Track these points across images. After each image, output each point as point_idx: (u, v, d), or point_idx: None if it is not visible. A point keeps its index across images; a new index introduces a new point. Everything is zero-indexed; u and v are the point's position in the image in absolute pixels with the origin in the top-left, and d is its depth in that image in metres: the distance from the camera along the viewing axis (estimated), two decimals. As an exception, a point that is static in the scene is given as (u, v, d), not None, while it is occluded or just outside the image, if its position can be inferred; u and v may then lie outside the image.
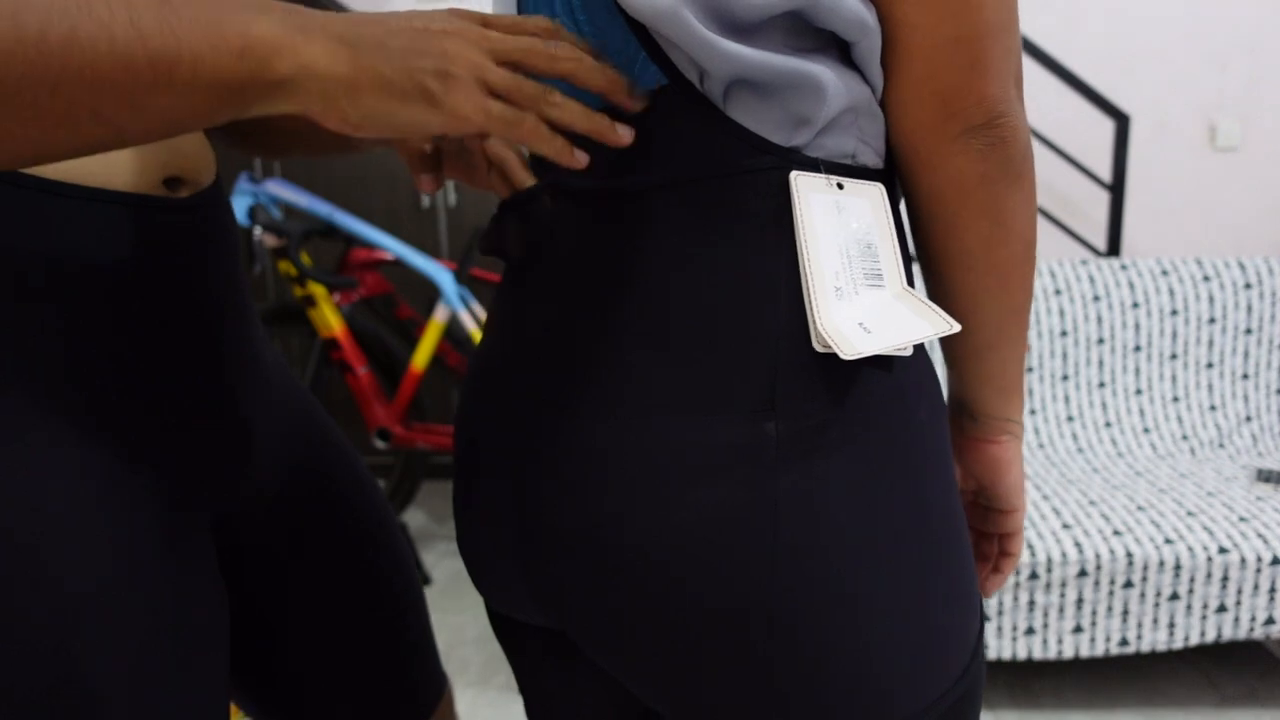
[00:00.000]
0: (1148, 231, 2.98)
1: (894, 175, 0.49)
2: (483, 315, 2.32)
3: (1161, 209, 2.96)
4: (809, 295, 0.43)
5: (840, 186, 0.45)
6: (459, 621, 2.16)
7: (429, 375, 2.41)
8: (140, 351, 0.52)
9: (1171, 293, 2.24)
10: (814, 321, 0.43)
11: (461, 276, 2.28)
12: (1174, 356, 2.23)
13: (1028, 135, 0.46)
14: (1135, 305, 2.24)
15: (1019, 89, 0.45)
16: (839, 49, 0.45)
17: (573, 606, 0.48)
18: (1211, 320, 2.23)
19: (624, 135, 0.44)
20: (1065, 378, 2.24)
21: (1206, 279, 2.23)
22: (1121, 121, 2.67)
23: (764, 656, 0.44)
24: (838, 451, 0.43)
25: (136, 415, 0.52)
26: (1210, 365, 2.23)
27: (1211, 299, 2.22)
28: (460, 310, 2.26)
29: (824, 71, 0.43)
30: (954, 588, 0.47)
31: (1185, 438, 2.18)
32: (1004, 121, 0.44)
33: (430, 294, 3.02)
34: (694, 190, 0.44)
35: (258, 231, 2.09)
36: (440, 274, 2.27)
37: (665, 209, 0.45)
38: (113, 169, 0.50)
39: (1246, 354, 2.23)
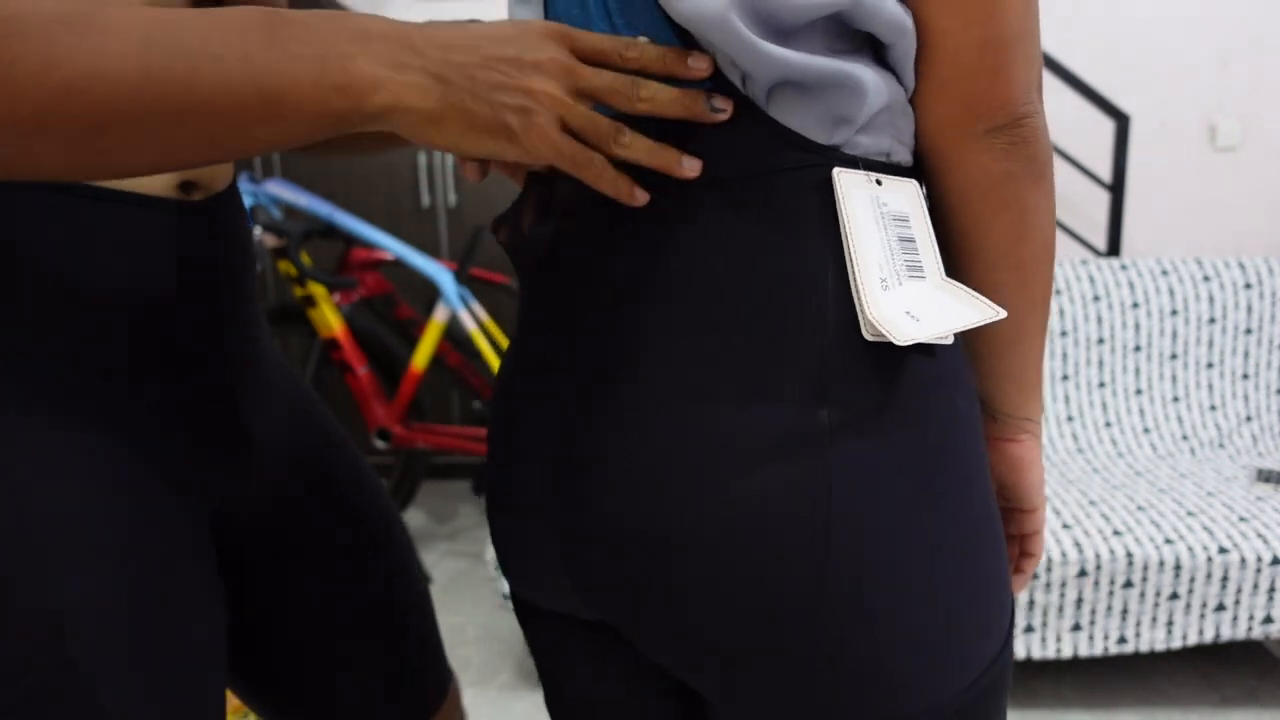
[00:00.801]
0: (1148, 231, 2.98)
1: (923, 173, 0.51)
2: (483, 315, 2.33)
3: (1161, 209, 2.96)
4: (857, 287, 0.45)
5: (879, 183, 0.47)
6: (459, 621, 2.16)
7: (429, 375, 2.41)
8: (147, 350, 0.52)
9: (1171, 293, 2.24)
10: (863, 311, 0.45)
11: (461, 276, 2.28)
12: (1174, 356, 2.23)
13: (1048, 137, 0.48)
14: (1135, 305, 2.24)
15: (1040, 93, 0.48)
16: (874, 50, 0.47)
17: (620, 596, 0.49)
18: (1211, 320, 2.23)
19: (690, 170, 0.45)
20: (1065, 378, 2.24)
21: (1206, 279, 2.23)
22: (1122, 121, 2.67)
23: (819, 636, 0.45)
24: (887, 437, 0.45)
25: (140, 412, 0.53)
26: (1210, 365, 2.23)
27: (1211, 299, 2.22)
28: (460, 310, 2.26)
29: (864, 72, 0.45)
30: (993, 571, 0.49)
31: (1185, 438, 2.18)
32: (1027, 122, 0.46)
33: (430, 294, 3.02)
34: (738, 188, 0.46)
35: (258, 231, 2.10)
36: (440, 274, 2.27)
37: (710, 206, 0.46)
38: None
39: (1246, 354, 2.23)
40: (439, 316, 2.29)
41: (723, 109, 0.45)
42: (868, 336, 0.45)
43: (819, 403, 0.44)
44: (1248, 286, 2.22)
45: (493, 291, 3.00)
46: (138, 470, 0.52)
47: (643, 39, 0.46)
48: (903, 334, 0.44)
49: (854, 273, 0.45)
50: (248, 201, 2.19)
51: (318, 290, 2.24)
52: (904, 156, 0.49)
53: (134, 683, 0.50)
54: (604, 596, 0.50)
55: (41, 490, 0.48)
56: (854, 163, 0.47)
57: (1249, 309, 2.22)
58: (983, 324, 0.47)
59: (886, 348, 0.45)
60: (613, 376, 0.48)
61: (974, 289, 0.51)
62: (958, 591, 0.47)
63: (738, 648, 0.47)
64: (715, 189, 0.46)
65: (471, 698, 1.85)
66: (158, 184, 0.52)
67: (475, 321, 2.30)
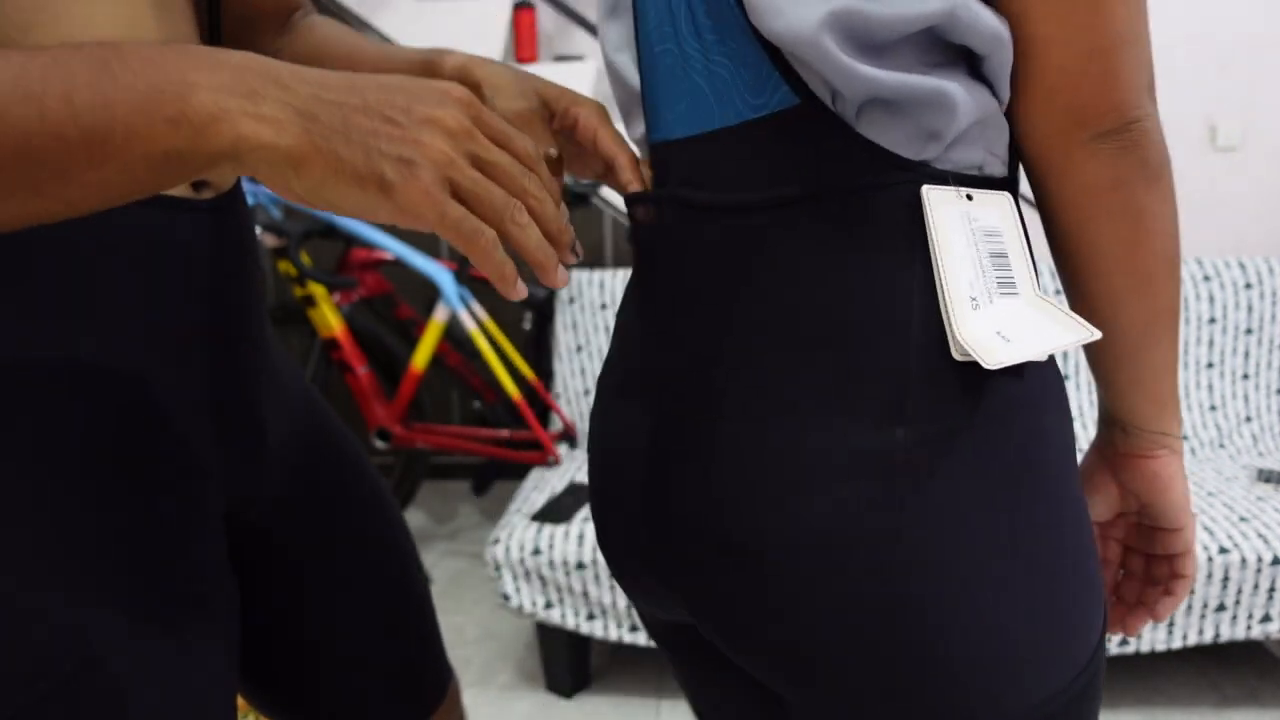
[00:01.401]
0: (1148, 231, 2.98)
1: (1017, 183, 0.50)
2: (483, 315, 2.32)
3: (1162, 209, 2.96)
4: (945, 306, 0.45)
5: (969, 198, 0.46)
6: (459, 621, 2.16)
7: (429, 375, 2.41)
8: (160, 347, 0.53)
9: (1172, 293, 2.24)
10: (952, 332, 0.44)
11: (461, 276, 2.28)
12: (1174, 356, 2.23)
13: (1163, 138, 0.47)
14: (1135, 305, 2.24)
15: (1152, 96, 0.46)
16: (968, 63, 0.46)
17: (702, 600, 0.50)
18: (1211, 320, 2.23)
19: (562, 280, 0.43)
20: (1066, 377, 2.24)
21: (1207, 279, 2.23)
22: (1122, 121, 2.67)
23: (891, 650, 0.45)
24: (964, 456, 0.45)
25: (154, 409, 0.53)
26: (1210, 365, 2.23)
27: (1212, 299, 2.22)
28: (460, 310, 2.26)
29: (954, 88, 0.44)
30: (1077, 587, 0.48)
31: (1185, 438, 2.18)
32: (1136, 126, 0.45)
33: (430, 294, 3.02)
34: (826, 204, 0.46)
35: (257, 231, 2.10)
36: (440, 274, 2.27)
37: (797, 222, 0.46)
38: None
39: (1247, 354, 2.22)
40: (439, 316, 2.29)
41: (573, 259, 0.44)
42: (957, 357, 0.45)
43: (895, 422, 0.44)
44: (1248, 286, 2.22)
45: (493, 291, 3.00)
46: (152, 462, 0.52)
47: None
48: (993, 357, 0.43)
49: (943, 292, 0.45)
50: (248, 201, 2.19)
51: (317, 290, 2.24)
52: (997, 169, 0.48)
53: (155, 680, 0.50)
54: (686, 601, 0.52)
55: (56, 488, 0.48)
56: (944, 178, 0.46)
57: (1249, 309, 2.22)
58: (1076, 345, 0.46)
59: (971, 368, 0.45)
60: (701, 386, 0.49)
61: (1092, 298, 0.49)
62: (1034, 605, 0.46)
63: (808, 656, 0.47)
64: (804, 205, 0.46)
65: (471, 698, 1.85)
66: None
67: (475, 321, 2.30)
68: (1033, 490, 0.47)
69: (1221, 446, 2.16)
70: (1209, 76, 2.87)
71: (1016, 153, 0.49)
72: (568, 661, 1.82)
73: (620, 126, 1.88)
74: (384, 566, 0.72)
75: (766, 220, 0.47)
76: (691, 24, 0.48)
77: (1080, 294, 0.50)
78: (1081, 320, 0.47)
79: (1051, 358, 0.49)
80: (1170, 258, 0.48)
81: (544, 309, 2.48)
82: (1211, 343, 2.23)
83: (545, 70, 2.75)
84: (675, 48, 0.49)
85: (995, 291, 0.46)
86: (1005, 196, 0.48)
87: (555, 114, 0.58)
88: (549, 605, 1.72)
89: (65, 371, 0.49)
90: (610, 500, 0.56)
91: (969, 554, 0.45)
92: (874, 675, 0.46)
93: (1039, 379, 0.48)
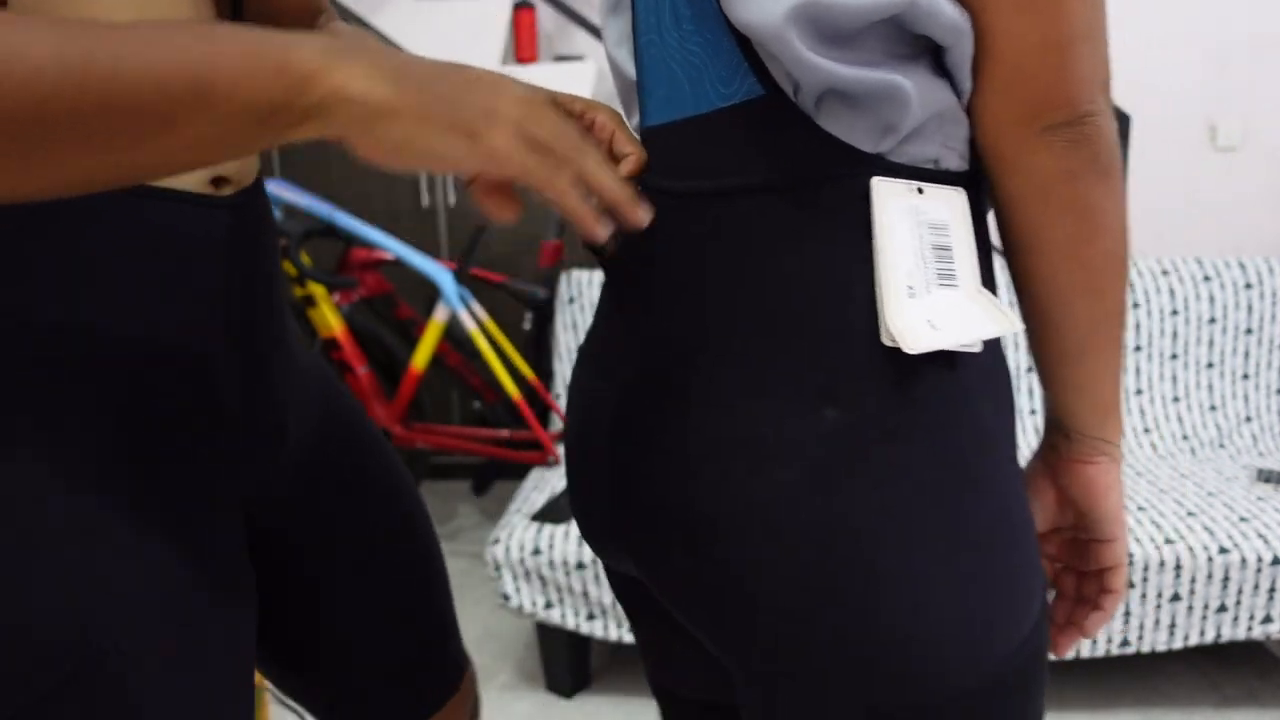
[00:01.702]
0: (1148, 231, 2.98)
1: (979, 177, 0.51)
2: (483, 315, 2.32)
3: (1162, 209, 2.96)
4: (881, 294, 0.46)
5: (920, 191, 0.47)
6: (459, 622, 2.16)
7: (429, 375, 2.41)
8: (183, 340, 0.53)
9: (1172, 292, 2.24)
10: (883, 318, 0.46)
11: (461, 276, 2.28)
12: (1174, 356, 2.23)
13: (1115, 135, 0.47)
14: (1135, 305, 2.24)
15: (1107, 93, 0.47)
16: (933, 55, 0.47)
17: (652, 566, 0.53)
18: (1212, 320, 2.23)
19: (644, 218, 0.45)
20: (1065, 378, 2.24)
21: (1207, 279, 2.23)
22: (1121, 121, 2.67)
23: (825, 622, 0.47)
24: (893, 441, 0.46)
25: (175, 402, 0.53)
26: (1210, 365, 2.23)
27: (1212, 299, 2.22)
28: (460, 310, 2.26)
29: (907, 82, 0.45)
30: (1009, 569, 0.49)
31: (1185, 438, 2.18)
32: (1089, 120, 0.45)
33: (430, 294, 3.02)
34: (784, 194, 0.47)
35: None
36: (440, 274, 2.27)
37: (756, 211, 0.48)
38: None
39: (1247, 354, 2.22)
40: (439, 316, 2.29)
41: (642, 220, 0.45)
42: (886, 342, 0.46)
43: (828, 404, 0.46)
44: (1248, 286, 2.22)
45: (493, 291, 3.00)
46: (173, 455, 0.53)
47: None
48: (917, 342, 0.45)
49: (880, 279, 0.46)
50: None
51: (317, 290, 2.24)
52: (954, 163, 0.49)
53: (161, 665, 0.51)
54: (640, 565, 0.55)
55: (72, 481, 0.48)
56: (899, 170, 0.47)
57: (1249, 309, 2.22)
58: (997, 334, 0.47)
59: (905, 356, 0.46)
60: (656, 366, 0.51)
61: (1040, 292, 0.50)
62: (968, 581, 0.47)
63: (753, 634, 0.49)
64: (764, 194, 0.47)
65: (472, 698, 1.85)
66: (191, 179, 0.53)
67: (475, 321, 2.30)
68: (965, 471, 0.48)
69: (1221, 446, 2.16)
70: (1209, 76, 2.87)
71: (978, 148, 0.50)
72: (568, 661, 1.82)
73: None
74: (401, 556, 0.73)
75: (725, 207, 0.48)
76: (673, 14, 0.49)
77: (1028, 293, 0.51)
78: (1010, 312, 0.48)
79: (998, 353, 0.50)
80: (1119, 257, 0.49)
81: (544, 309, 2.48)
82: (1211, 343, 2.23)
83: (545, 70, 2.75)
84: (658, 38, 0.51)
85: (934, 282, 0.47)
86: (959, 192, 0.49)
87: (572, 115, 0.59)
88: (549, 605, 1.72)
89: (86, 363, 0.49)
90: (581, 472, 0.58)
91: (901, 532, 0.46)
92: (810, 649, 0.47)
93: (975, 369, 0.49)
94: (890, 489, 0.46)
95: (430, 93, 0.40)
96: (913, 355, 0.46)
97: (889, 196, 0.46)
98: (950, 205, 0.48)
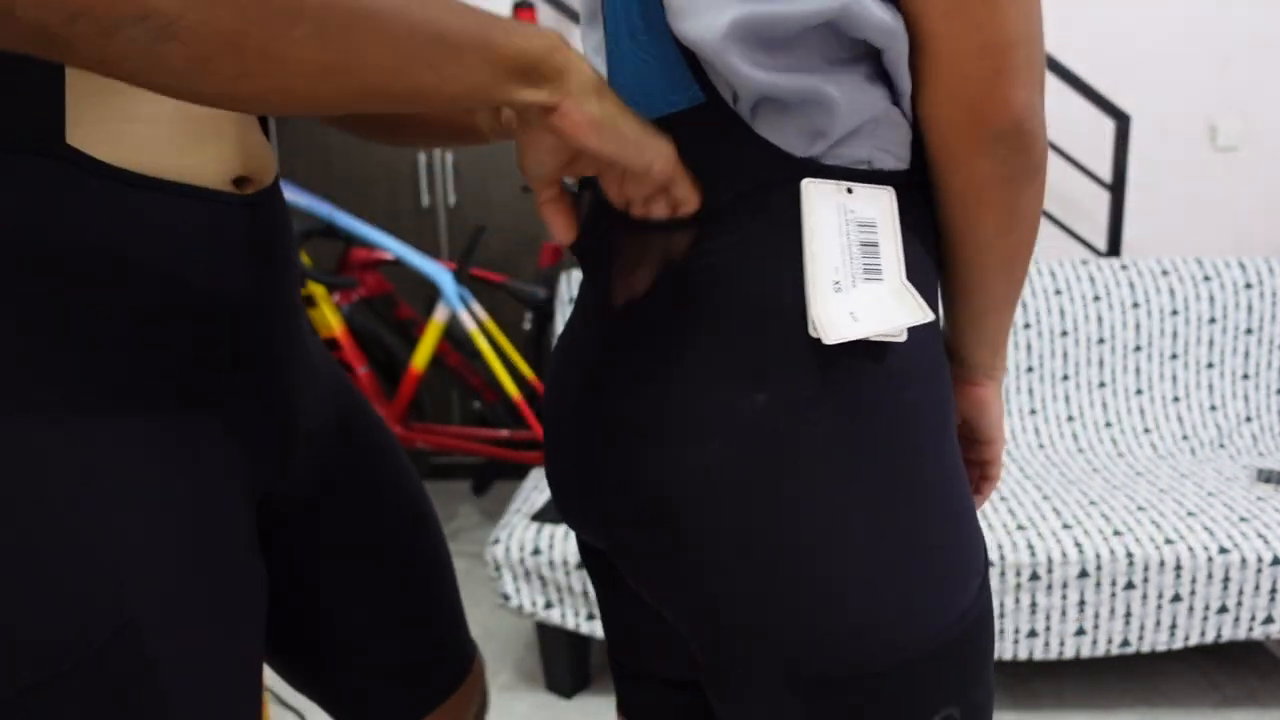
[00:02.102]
0: (1148, 231, 2.98)
1: (912, 175, 0.54)
2: (483, 315, 2.32)
3: (1162, 209, 2.96)
4: (808, 288, 0.49)
5: (850, 190, 0.50)
6: (459, 622, 2.16)
7: (429, 375, 2.41)
8: (202, 337, 0.54)
9: (1172, 293, 2.24)
10: (809, 310, 0.50)
11: (461, 276, 2.28)
12: (1174, 356, 2.23)
13: (1045, 140, 0.50)
14: (1135, 305, 2.24)
15: (1041, 95, 0.49)
16: (873, 59, 0.50)
17: (612, 535, 0.58)
18: (1212, 320, 2.23)
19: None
20: (1065, 378, 2.24)
21: (1207, 279, 2.23)
22: (1122, 121, 2.67)
23: (753, 592, 0.51)
24: (821, 422, 0.50)
25: (194, 397, 0.54)
26: (1211, 365, 2.23)
27: (1212, 299, 2.22)
28: (460, 310, 2.26)
29: (836, 91, 0.48)
30: (945, 537, 0.52)
31: (1185, 438, 2.18)
32: (1027, 129, 0.48)
33: (430, 294, 3.02)
34: (725, 196, 0.51)
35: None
36: (440, 274, 2.27)
37: (700, 211, 0.51)
38: (189, 165, 0.53)
39: (1247, 354, 2.22)
40: (439, 316, 2.29)
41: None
42: (811, 334, 0.50)
43: (758, 387, 0.50)
44: (1248, 286, 2.22)
45: (493, 291, 3.00)
46: (192, 450, 0.54)
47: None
48: (835, 333, 0.48)
49: (807, 275, 0.49)
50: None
51: (317, 290, 2.24)
52: (888, 163, 0.52)
53: (190, 654, 0.52)
54: (601, 535, 0.59)
55: (105, 464, 0.49)
56: (830, 172, 0.50)
57: (1249, 309, 2.22)
58: (912, 324, 0.51)
59: (832, 346, 0.50)
60: (616, 353, 0.55)
61: (964, 271, 0.56)
62: (900, 555, 0.50)
63: (690, 591, 0.53)
64: (708, 196, 0.51)
65: (472, 698, 1.85)
66: (217, 179, 0.54)
67: (475, 321, 2.29)
68: (890, 450, 0.51)
69: (1222, 446, 2.16)
70: (1209, 76, 2.87)
71: (920, 148, 0.53)
72: (568, 661, 1.82)
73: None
74: (415, 547, 0.74)
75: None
76: (628, 24, 0.52)
77: (952, 272, 0.57)
78: (923, 303, 0.52)
79: (933, 339, 0.54)
80: (1030, 242, 0.54)
81: (544, 309, 2.48)
82: (1212, 343, 2.23)
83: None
84: (616, 47, 0.54)
85: (860, 277, 0.50)
86: (888, 190, 0.52)
87: None
88: (549, 605, 1.72)
89: (114, 353, 0.50)
90: (553, 449, 0.62)
91: (826, 506, 0.49)
92: (753, 620, 0.51)
93: (903, 360, 0.52)
94: (817, 467, 0.50)
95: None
96: (837, 345, 0.49)
97: (817, 197, 0.49)
98: (878, 203, 0.51)
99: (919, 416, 0.52)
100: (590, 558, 0.69)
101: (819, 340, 0.49)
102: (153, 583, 0.50)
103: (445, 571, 0.78)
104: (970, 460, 0.68)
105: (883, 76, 0.50)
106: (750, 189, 0.50)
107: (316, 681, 0.74)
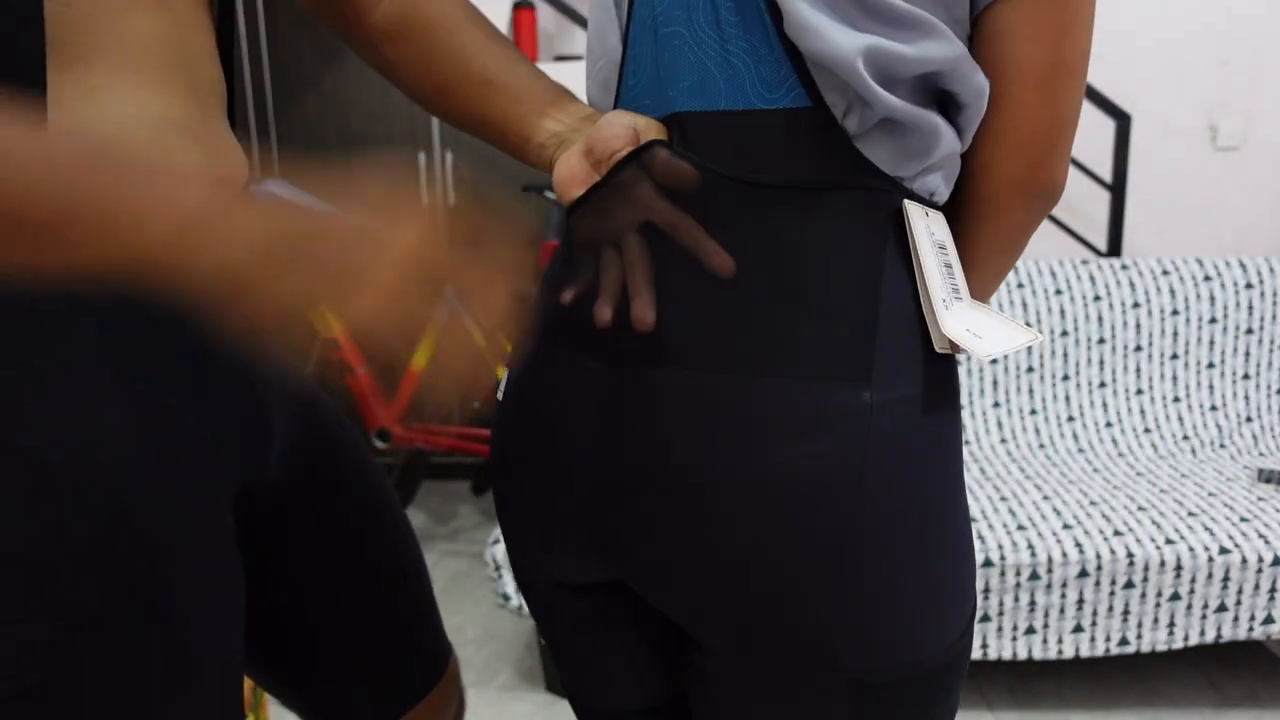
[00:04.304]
0: (1149, 231, 2.98)
1: (951, 212, 0.59)
2: (483, 315, 2.32)
3: (1163, 209, 2.96)
4: (928, 304, 0.53)
5: (927, 214, 0.55)
6: (459, 622, 2.16)
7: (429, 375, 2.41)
8: (180, 331, 0.54)
9: (1172, 292, 2.24)
10: (936, 328, 0.53)
11: (461, 276, 2.28)
12: (1175, 356, 2.23)
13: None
14: (1136, 305, 2.24)
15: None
16: (943, 107, 0.54)
17: (640, 548, 0.55)
18: (1213, 320, 2.22)
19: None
20: (1066, 378, 2.24)
21: (1208, 279, 2.23)
22: (1123, 121, 2.67)
23: (836, 591, 0.51)
24: (914, 422, 0.52)
25: (179, 392, 0.54)
26: (1211, 365, 2.23)
27: (1213, 299, 2.22)
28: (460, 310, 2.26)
29: (945, 124, 0.53)
30: (968, 559, 0.57)
31: (1186, 438, 2.18)
32: (1060, 188, 0.56)
33: (430, 294, 3.01)
34: (811, 192, 0.52)
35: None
36: (440, 274, 2.26)
37: (782, 202, 0.52)
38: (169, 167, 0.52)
39: (1248, 354, 2.22)
40: (439, 316, 2.29)
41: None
42: (939, 348, 0.53)
43: (864, 385, 0.51)
44: (1249, 286, 2.22)
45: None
46: (178, 445, 0.53)
47: None
48: (980, 350, 0.51)
49: (924, 292, 0.53)
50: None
51: (317, 290, 2.24)
52: (943, 197, 0.57)
53: (173, 652, 0.52)
54: (624, 551, 0.56)
55: (89, 458, 0.49)
56: (910, 194, 0.54)
57: (1250, 309, 2.22)
58: (1026, 345, 0.55)
59: (920, 349, 0.53)
60: (667, 342, 0.53)
61: (967, 276, 0.61)
62: (951, 562, 0.55)
63: (746, 602, 0.52)
64: (794, 190, 0.52)
65: (471, 698, 1.85)
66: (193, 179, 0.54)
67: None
68: (953, 462, 0.55)
69: (1222, 446, 2.16)
70: (1209, 76, 2.87)
71: (957, 189, 0.59)
72: (568, 661, 1.82)
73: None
74: (379, 549, 0.73)
75: (755, 196, 0.52)
76: (712, 13, 0.53)
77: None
78: (1024, 325, 0.57)
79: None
80: (1018, 256, 0.62)
81: (544, 309, 2.47)
82: (1212, 343, 2.22)
83: (545, 70, 2.75)
84: (685, 30, 0.54)
85: (951, 295, 0.54)
86: (943, 216, 0.57)
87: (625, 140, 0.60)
88: (549, 605, 1.72)
89: (93, 350, 0.50)
90: (542, 451, 0.59)
91: (911, 510, 0.52)
92: (809, 621, 0.52)
93: (951, 371, 0.56)
94: (906, 464, 0.52)
95: None
96: (927, 350, 0.53)
97: (916, 217, 0.53)
98: (945, 229, 0.56)
99: (959, 430, 0.56)
100: (561, 597, 0.66)
101: (912, 344, 0.52)
102: (138, 579, 0.50)
103: (417, 574, 0.77)
104: None
105: (955, 125, 0.55)
106: (839, 193, 0.52)
107: (290, 686, 0.73)
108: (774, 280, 0.52)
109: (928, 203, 0.55)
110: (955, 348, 0.54)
